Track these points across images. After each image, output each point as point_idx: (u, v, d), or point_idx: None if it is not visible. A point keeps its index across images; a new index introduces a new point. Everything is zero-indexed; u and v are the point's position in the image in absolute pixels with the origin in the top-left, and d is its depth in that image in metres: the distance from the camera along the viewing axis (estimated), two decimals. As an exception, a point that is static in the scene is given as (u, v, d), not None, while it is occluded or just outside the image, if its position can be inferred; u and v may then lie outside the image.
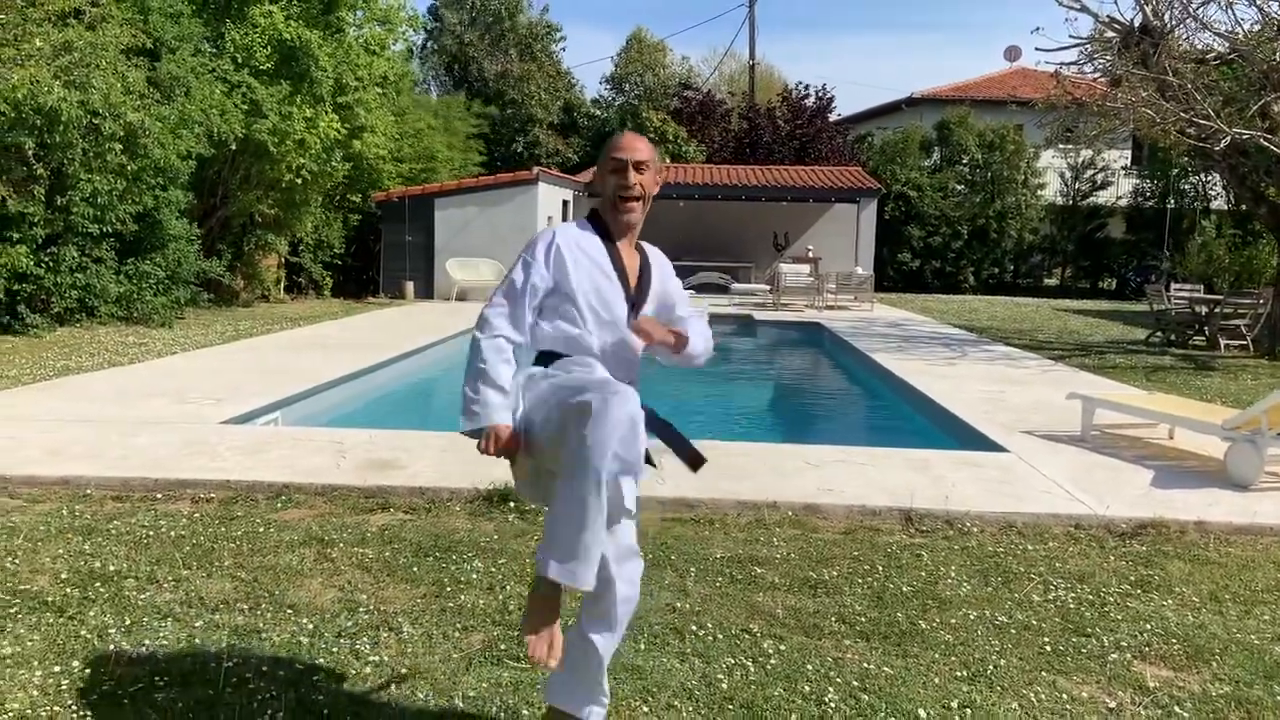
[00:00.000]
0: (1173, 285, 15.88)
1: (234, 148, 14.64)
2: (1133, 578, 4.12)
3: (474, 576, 3.97)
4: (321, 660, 3.22)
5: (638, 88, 31.74)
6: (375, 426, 6.71)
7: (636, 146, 2.59)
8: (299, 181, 16.23)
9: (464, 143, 24.89)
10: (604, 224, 2.64)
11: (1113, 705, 3.02)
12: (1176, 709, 3.00)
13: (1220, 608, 3.83)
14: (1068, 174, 28.53)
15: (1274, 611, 3.81)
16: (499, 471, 4.94)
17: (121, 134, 11.48)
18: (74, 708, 2.88)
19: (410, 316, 15.54)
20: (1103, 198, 28.87)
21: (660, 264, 2.79)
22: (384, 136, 18.22)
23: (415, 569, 4.05)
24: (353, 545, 4.32)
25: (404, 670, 3.15)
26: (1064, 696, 3.07)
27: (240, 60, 14.58)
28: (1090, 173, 28.53)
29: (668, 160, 26.94)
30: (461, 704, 2.94)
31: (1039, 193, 27.96)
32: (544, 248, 2.56)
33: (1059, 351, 12.75)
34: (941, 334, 14.61)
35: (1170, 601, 3.88)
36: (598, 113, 31.82)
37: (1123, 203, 28.65)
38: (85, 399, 7.33)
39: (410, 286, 19.53)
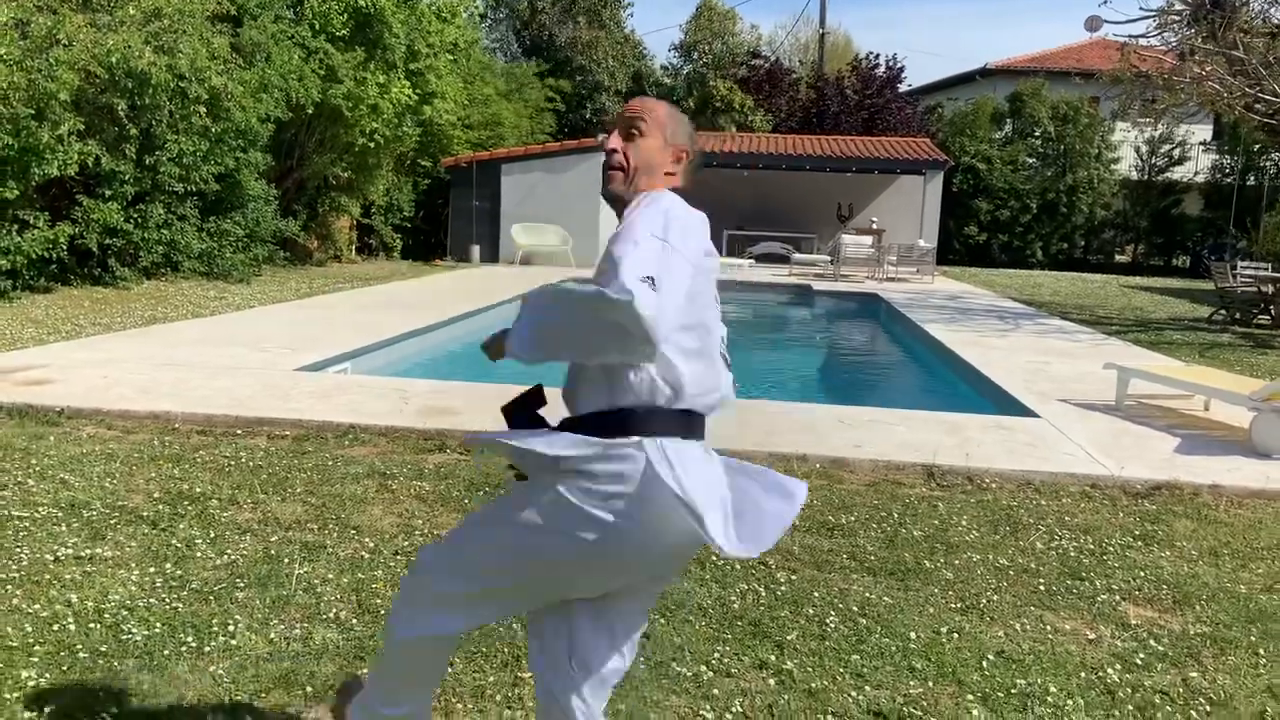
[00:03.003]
0: (1239, 263, 15.65)
1: (310, 112, 15.21)
2: (1137, 532, 4.35)
3: (519, 509, 4.35)
4: (380, 572, 3.63)
5: (706, 56, 31.77)
6: (436, 378, 7.16)
7: (633, 105, 2.03)
8: (371, 146, 16.79)
9: (533, 110, 25.27)
10: None
11: (1092, 637, 3.29)
12: (1152, 643, 3.26)
13: (1217, 561, 4.05)
14: (1143, 148, 27.95)
15: (1269, 566, 4.01)
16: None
17: (206, 97, 12.06)
18: (166, 601, 3.32)
19: (474, 279, 16.03)
20: (1179, 173, 28.24)
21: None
22: (453, 103, 18.67)
23: (467, 501, 4.45)
24: (411, 479, 4.73)
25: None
26: (1048, 628, 3.35)
27: (318, 27, 15.10)
28: (1166, 148, 27.92)
29: (733, 129, 27.02)
30: (500, 610, 3.32)
31: (1112, 167, 27.44)
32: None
33: (1116, 327, 12.74)
34: (998, 307, 14.65)
35: (1169, 554, 4.11)
36: (666, 80, 31.98)
37: (1200, 179, 28.00)
38: (172, 345, 7.89)
39: (476, 250, 20.03)
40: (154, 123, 11.80)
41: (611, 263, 1.66)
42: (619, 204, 1.95)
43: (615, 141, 1.97)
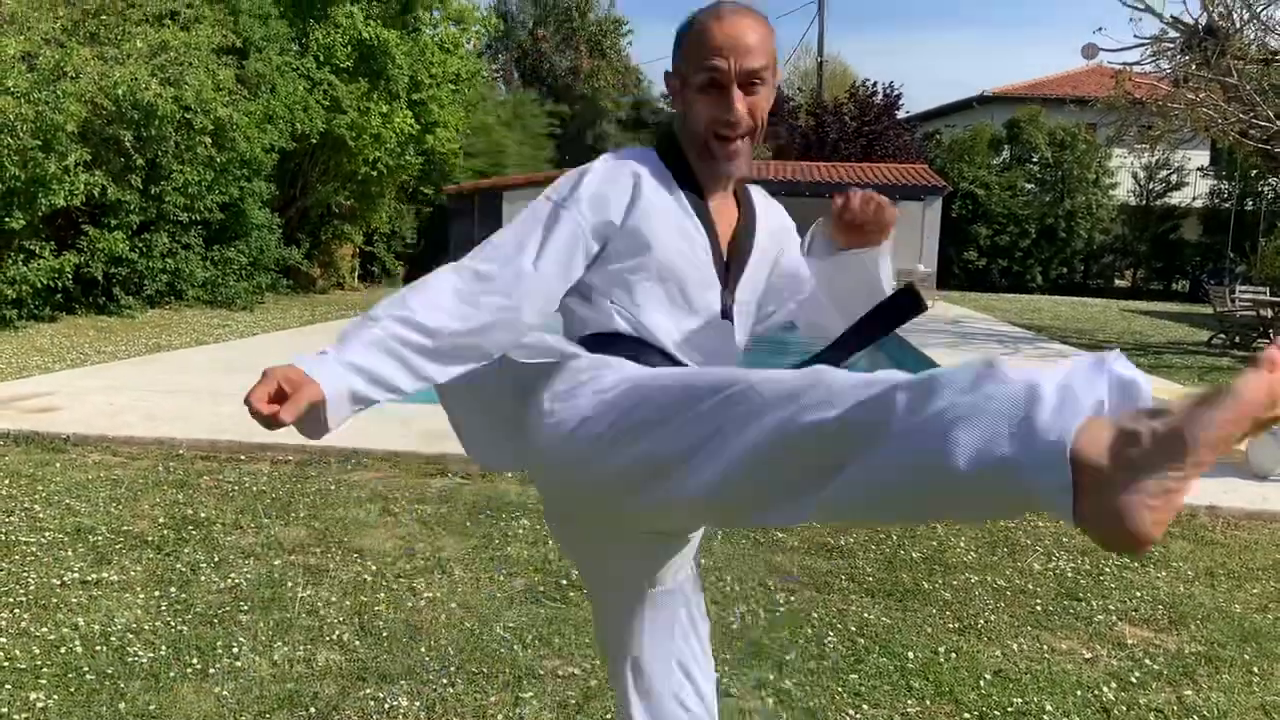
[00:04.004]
0: (1238, 287, 15.71)
1: (314, 141, 15.36)
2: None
3: (520, 532, 4.40)
4: (382, 595, 3.66)
5: (706, 84, 32.06)
6: (437, 403, 7.20)
7: (745, 42, 1.53)
8: (374, 174, 16.95)
9: (534, 139, 25.48)
10: (686, 166, 1.65)
11: (1089, 657, 3.32)
12: (1148, 661, 3.29)
13: (1213, 581, 4.08)
14: (1141, 174, 28.11)
15: (1264, 586, 4.04)
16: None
17: (211, 128, 12.20)
18: (171, 624, 3.36)
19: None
20: (1177, 199, 28.39)
21: (767, 212, 1.81)
22: (455, 132, 18.85)
23: (468, 524, 4.49)
24: (413, 503, 4.77)
25: (454, 604, 3.58)
26: (1045, 648, 3.38)
27: (322, 59, 15.29)
28: (1164, 173, 28.08)
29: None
30: (502, 631, 3.36)
31: (1111, 193, 27.59)
32: (599, 177, 1.60)
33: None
34: (998, 331, 14.71)
35: (1165, 575, 4.14)
36: (666, 107, 32.26)
37: (1198, 204, 28.14)
38: (176, 372, 7.96)
39: (479, 277, 20.15)
40: (160, 153, 11.93)
41: None
42: (728, 183, 1.69)
43: (741, 102, 1.55)
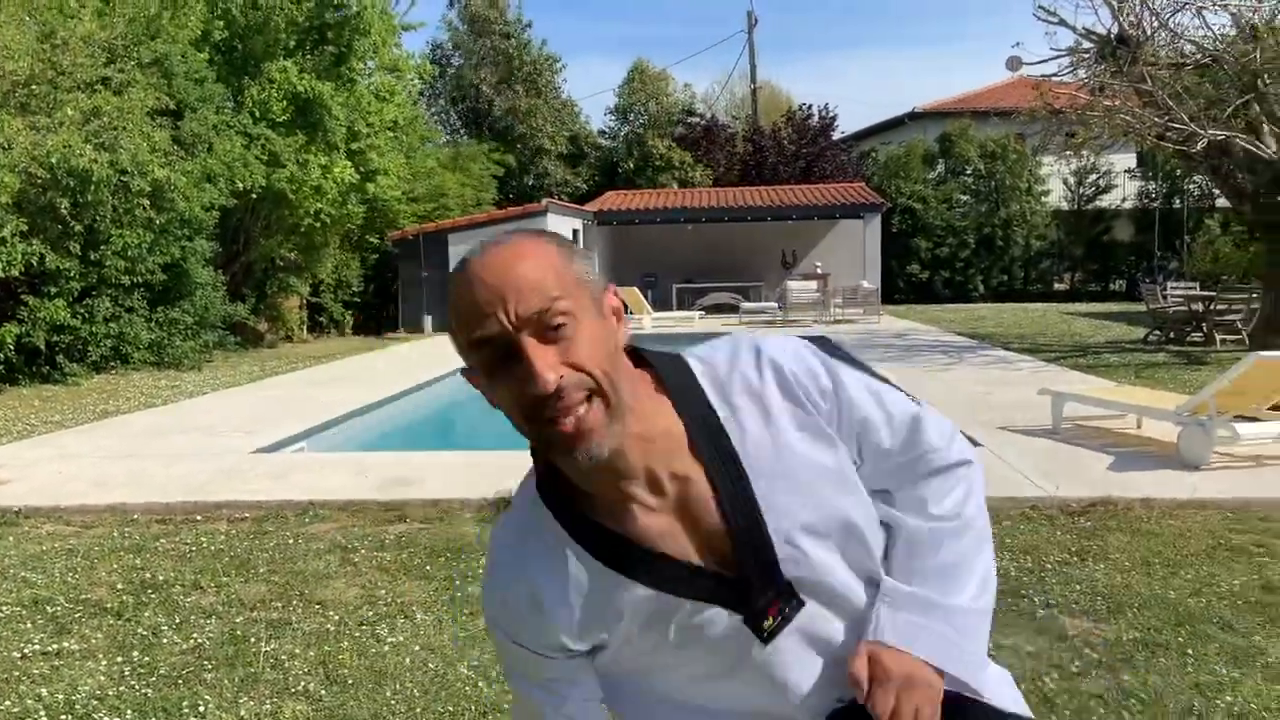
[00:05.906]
0: (1169, 284, 16.21)
1: (255, 197, 15.35)
2: (1074, 549, 4.55)
3: (479, 571, 4.45)
4: (346, 643, 3.71)
5: (642, 117, 32.43)
6: (392, 450, 7.25)
7: (514, 278, 1.07)
8: (317, 225, 16.96)
9: (477, 181, 25.58)
10: (566, 489, 1.22)
11: (1031, 650, 3.46)
12: (1088, 650, 3.44)
13: (1149, 570, 4.26)
14: (1070, 180, 28.90)
15: (1197, 572, 4.23)
16: (506, 481, 5.44)
17: (149, 190, 12.15)
18: (136, 688, 3.38)
19: (425, 351, 16.11)
20: (1107, 201, 29.22)
21: (757, 406, 1.23)
22: (396, 178, 18.91)
23: (428, 568, 4.54)
24: (373, 551, 4.82)
25: (417, 647, 3.64)
26: (989, 644, 3.51)
27: (258, 115, 15.32)
28: (1093, 177, 28.90)
29: (675, 185, 27.49)
30: (466, 670, 3.42)
31: (1043, 199, 28.34)
32: (501, 630, 1.31)
33: (1056, 353, 13.12)
34: (943, 342, 15.02)
35: (1104, 567, 4.31)
36: (604, 142, 32.58)
37: (1128, 205, 28.98)
38: (126, 436, 7.90)
39: (428, 321, 20.14)
40: (98, 218, 11.85)
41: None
42: (624, 467, 1.15)
43: (546, 361, 1.06)
